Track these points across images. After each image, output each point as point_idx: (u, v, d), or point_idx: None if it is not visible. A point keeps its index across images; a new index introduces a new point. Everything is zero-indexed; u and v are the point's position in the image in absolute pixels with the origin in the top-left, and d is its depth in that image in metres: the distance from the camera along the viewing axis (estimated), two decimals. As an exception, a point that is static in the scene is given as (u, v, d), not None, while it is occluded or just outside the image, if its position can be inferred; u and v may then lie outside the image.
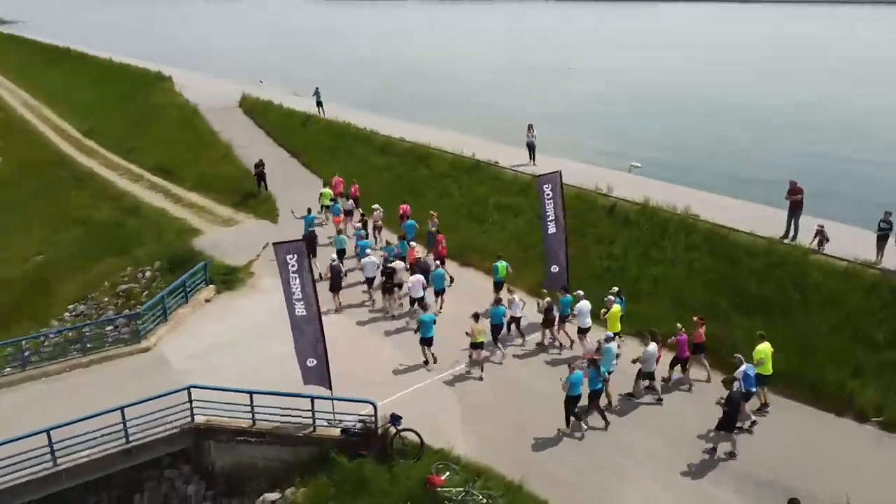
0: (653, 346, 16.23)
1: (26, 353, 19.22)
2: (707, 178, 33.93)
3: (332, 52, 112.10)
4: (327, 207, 28.80)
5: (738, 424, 14.61)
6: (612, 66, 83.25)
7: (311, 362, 15.58)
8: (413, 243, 23.46)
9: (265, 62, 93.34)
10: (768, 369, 15.45)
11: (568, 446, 15.21)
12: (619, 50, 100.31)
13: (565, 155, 33.26)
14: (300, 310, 15.14)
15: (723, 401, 14.19)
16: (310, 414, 15.35)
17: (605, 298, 18.26)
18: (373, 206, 26.65)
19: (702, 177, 34.57)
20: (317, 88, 42.19)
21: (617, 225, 23.46)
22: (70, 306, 26.37)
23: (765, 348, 15.42)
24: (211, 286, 23.18)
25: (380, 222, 26.29)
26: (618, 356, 16.61)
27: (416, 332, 18.59)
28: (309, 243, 20.76)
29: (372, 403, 15.21)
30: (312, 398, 15.35)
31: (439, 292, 21.01)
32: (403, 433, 14.94)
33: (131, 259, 27.54)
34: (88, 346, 18.99)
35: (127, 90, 58.72)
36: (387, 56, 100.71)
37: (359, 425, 15.22)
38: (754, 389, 15.30)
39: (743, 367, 15.05)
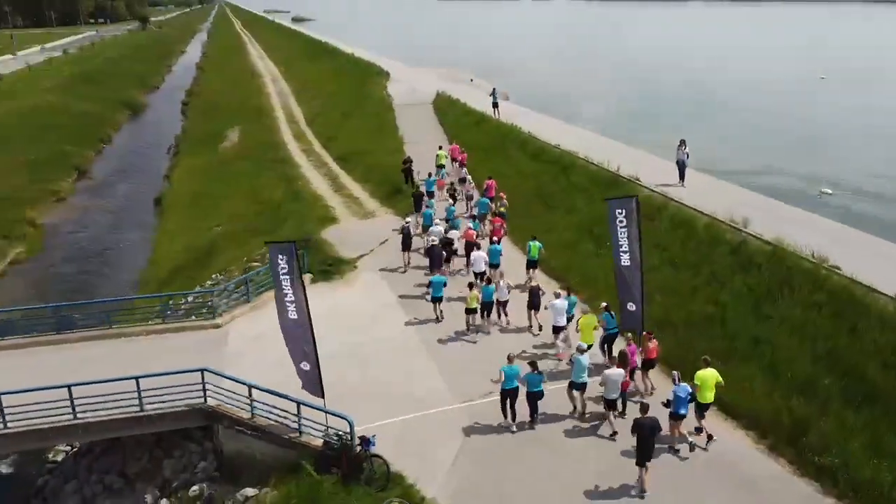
0: (615, 371, 15.07)
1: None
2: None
3: (583, 53, 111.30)
4: (441, 167, 32.61)
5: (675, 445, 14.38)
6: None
7: (305, 366, 15.26)
8: (469, 223, 25.17)
9: (505, 61, 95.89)
10: (706, 397, 14.50)
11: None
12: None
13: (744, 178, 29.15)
14: (292, 313, 14.87)
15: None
16: (298, 417, 15.16)
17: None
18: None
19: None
20: (494, 89, 41.82)
21: (736, 266, 19.71)
22: (213, 275, 29.14)
23: (705, 374, 14.49)
24: (307, 275, 23.93)
25: (471, 192, 29.62)
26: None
27: (426, 291, 21.08)
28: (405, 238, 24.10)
29: (346, 419, 14.49)
30: (298, 403, 15.08)
31: (494, 265, 22.15)
32: (374, 458, 14.08)
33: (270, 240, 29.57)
34: (168, 313, 20.63)
35: (355, 83, 63.53)
36: (648, 61, 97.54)
37: (336, 440, 14.61)
38: (684, 412, 14.32)
39: (674, 388, 14.33)
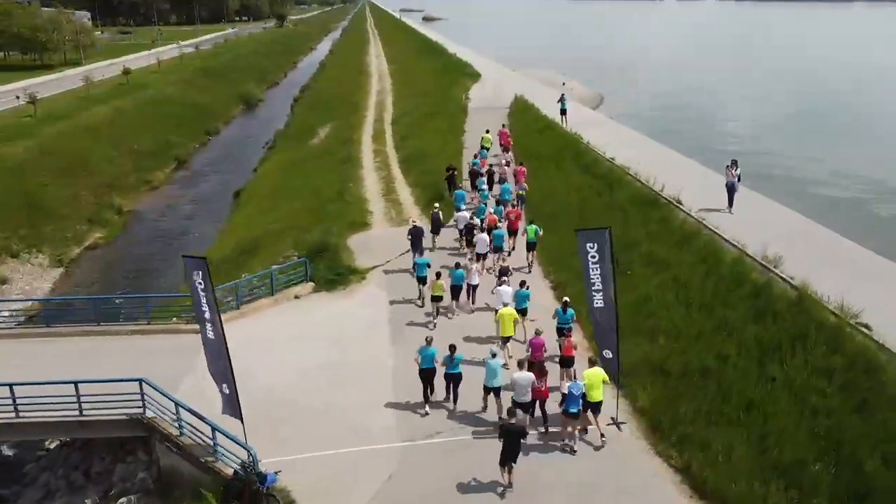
0: (522, 375, 14.66)
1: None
2: None
3: (716, 58, 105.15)
4: (487, 149, 34.44)
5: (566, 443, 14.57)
6: None
7: (225, 389, 14.44)
8: (491, 210, 25.49)
9: (628, 64, 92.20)
10: (593, 396, 14.46)
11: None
12: None
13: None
14: (209, 332, 14.06)
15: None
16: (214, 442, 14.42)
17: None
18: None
19: None
20: (563, 95, 39.39)
21: (752, 312, 16.85)
22: (243, 274, 29.24)
23: (590, 373, 14.55)
24: (310, 283, 23.33)
25: (505, 176, 30.20)
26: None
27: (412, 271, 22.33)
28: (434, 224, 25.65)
29: (249, 451, 13.53)
30: (213, 427, 14.31)
31: (498, 249, 23.23)
32: (270, 497, 13.04)
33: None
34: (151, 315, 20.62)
35: (445, 84, 62.85)
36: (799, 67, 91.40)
37: (242, 471, 13.68)
38: (574, 410, 14.34)
39: (568, 385, 14.61)
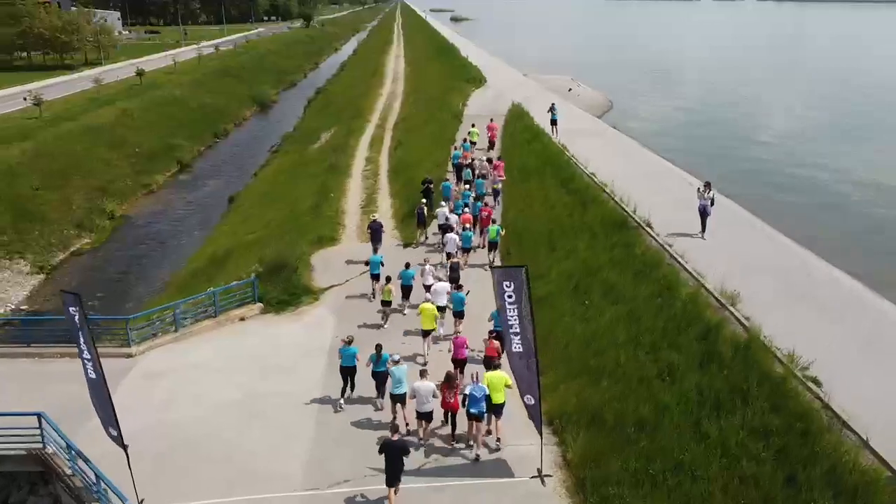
0: (424, 384, 14.67)
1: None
2: None
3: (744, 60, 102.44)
4: (473, 143, 36.35)
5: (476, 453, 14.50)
6: None
7: (112, 431, 13.51)
8: (468, 209, 26.20)
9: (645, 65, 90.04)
10: (495, 398, 14.49)
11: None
12: None
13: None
14: (90, 371, 13.13)
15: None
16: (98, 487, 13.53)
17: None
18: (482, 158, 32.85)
19: None
20: (553, 105, 37.91)
21: (697, 357, 15.43)
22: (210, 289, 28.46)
23: (492, 376, 14.61)
24: (258, 304, 22.42)
25: (485, 171, 31.12)
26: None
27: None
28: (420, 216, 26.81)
29: (124, 501, 12.59)
30: (96, 472, 13.40)
31: (466, 250, 24.17)
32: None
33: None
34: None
35: (447, 88, 61.65)
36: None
37: (119, 523, 12.77)
38: (474, 411, 14.31)
39: (469, 387, 14.46)
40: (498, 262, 23.75)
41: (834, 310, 17.30)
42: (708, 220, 21.85)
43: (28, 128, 53.82)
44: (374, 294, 22.22)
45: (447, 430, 15.32)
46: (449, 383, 14.75)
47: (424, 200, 27.62)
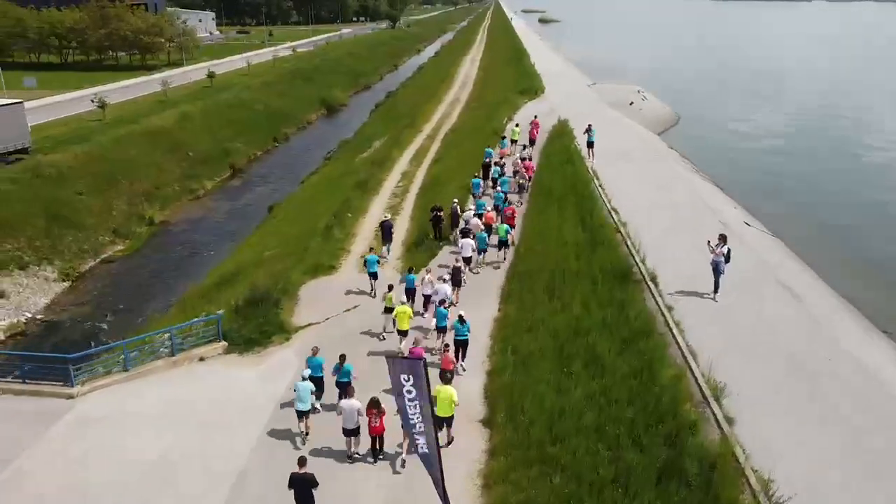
0: (349, 402, 14.88)
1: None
2: None
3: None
4: (514, 141, 38.45)
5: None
6: None
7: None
8: (488, 207, 27.61)
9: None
10: (443, 411, 14.65)
11: None
12: None
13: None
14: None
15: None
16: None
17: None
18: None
19: None
20: (589, 126, 34.85)
21: (661, 466, 12.71)
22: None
23: (442, 390, 14.89)
24: (222, 343, 20.99)
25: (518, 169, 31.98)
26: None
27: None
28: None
29: None
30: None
31: (482, 251, 25.11)
32: None
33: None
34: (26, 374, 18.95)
35: (507, 100, 59.15)
36: None
37: None
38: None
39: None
40: (508, 261, 25.03)
41: (860, 428, 13.99)
42: (722, 278, 18.67)
43: (90, 130, 55.27)
44: (374, 291, 23.84)
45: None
46: (375, 407, 14.70)
47: (455, 200, 28.64)
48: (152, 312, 32.29)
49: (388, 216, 29.36)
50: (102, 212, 43.54)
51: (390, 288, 21.08)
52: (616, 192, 28.67)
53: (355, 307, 23.44)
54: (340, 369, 16.56)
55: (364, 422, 14.93)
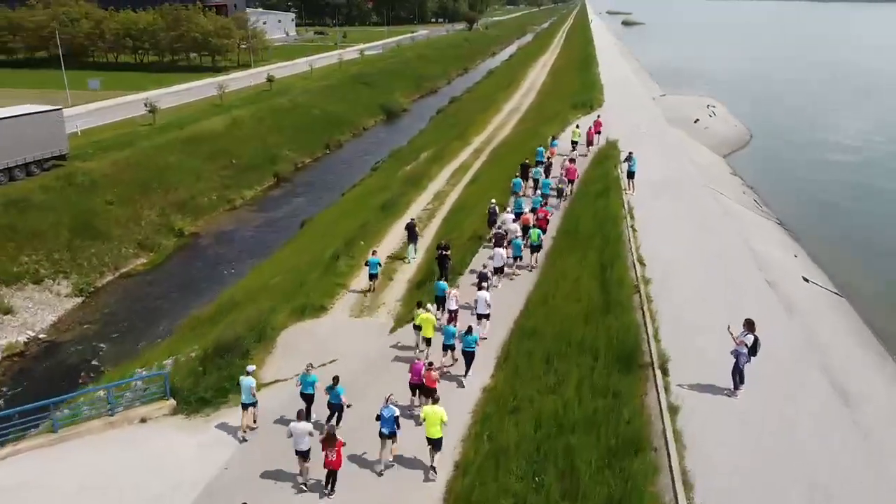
0: (299, 425, 14.82)
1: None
2: None
3: None
4: (575, 143, 39.70)
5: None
6: None
7: None
8: (525, 209, 28.03)
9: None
10: (431, 433, 14.74)
11: None
12: None
13: None
14: None
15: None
16: None
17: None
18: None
19: None
20: (630, 154, 30.84)
21: None
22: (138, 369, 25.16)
23: (428, 411, 14.90)
24: (169, 402, 18.72)
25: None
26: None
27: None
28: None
29: None
30: None
31: (516, 258, 24.89)
32: None
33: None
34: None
35: (559, 114, 55.29)
36: None
37: None
38: (385, 430, 14.87)
39: (381, 408, 14.89)
40: (540, 264, 24.98)
41: None
42: (745, 371, 14.86)
43: (137, 136, 55.00)
44: (371, 290, 25.52)
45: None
46: (328, 441, 14.36)
47: (493, 201, 28.83)
48: (151, 339, 30.78)
49: (413, 218, 30.98)
50: (130, 222, 42.70)
51: (419, 305, 20.09)
52: (650, 235, 24.86)
53: (332, 361, 20.76)
54: (333, 389, 16.36)
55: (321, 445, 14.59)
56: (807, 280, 23.86)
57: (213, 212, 48.76)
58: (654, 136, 41.97)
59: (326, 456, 14.42)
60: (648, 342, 17.06)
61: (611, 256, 22.82)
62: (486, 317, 20.39)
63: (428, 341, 19.51)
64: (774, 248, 26.78)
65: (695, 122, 50.28)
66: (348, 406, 16.53)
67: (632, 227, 25.35)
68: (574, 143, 39.37)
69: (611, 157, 35.68)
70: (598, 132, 41.14)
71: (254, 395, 16.98)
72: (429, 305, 19.96)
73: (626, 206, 27.45)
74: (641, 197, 29.68)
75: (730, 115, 59.35)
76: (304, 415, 15.38)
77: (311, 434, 14.85)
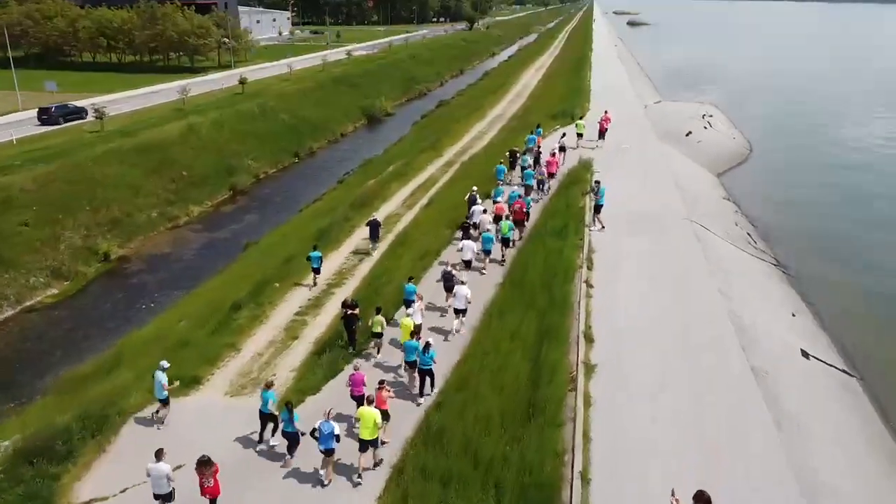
0: (158, 466, 13.89)
1: None
2: None
3: None
4: (580, 135, 40.02)
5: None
6: None
7: None
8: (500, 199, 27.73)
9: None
10: (364, 435, 14.91)
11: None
12: None
13: None
14: None
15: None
16: None
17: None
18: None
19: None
20: (597, 183, 25.65)
21: None
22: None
23: (365, 412, 14.90)
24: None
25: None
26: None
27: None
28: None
29: None
30: None
31: (486, 252, 24.03)
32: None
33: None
34: None
35: (538, 119, 50.15)
36: None
37: None
38: (322, 448, 14.74)
39: (320, 423, 14.78)
40: (509, 258, 24.14)
41: None
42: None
43: (80, 145, 50.22)
44: (314, 284, 25.28)
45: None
46: (202, 466, 13.72)
47: (475, 188, 28.32)
48: (26, 399, 25.84)
49: (376, 215, 29.75)
50: (45, 247, 37.82)
51: (378, 311, 19.51)
52: (609, 292, 19.76)
53: (178, 468, 15.72)
54: (290, 416, 15.61)
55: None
56: (807, 356, 18.64)
57: (150, 231, 43.88)
58: (638, 154, 36.71)
59: (202, 483, 13.74)
60: (571, 481, 11.95)
61: (552, 326, 17.69)
62: (464, 312, 19.73)
63: (379, 335, 19.39)
64: (766, 308, 21.57)
65: (686, 135, 44.91)
66: (303, 434, 15.61)
67: (587, 282, 20.21)
68: (579, 135, 40.13)
69: (579, 183, 30.48)
70: (606, 129, 40.79)
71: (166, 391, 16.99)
72: (404, 309, 19.89)
73: (584, 252, 22.28)
74: (610, 234, 24.56)
75: (729, 125, 53.87)
76: (162, 454, 14.08)
77: (170, 479, 13.98)
